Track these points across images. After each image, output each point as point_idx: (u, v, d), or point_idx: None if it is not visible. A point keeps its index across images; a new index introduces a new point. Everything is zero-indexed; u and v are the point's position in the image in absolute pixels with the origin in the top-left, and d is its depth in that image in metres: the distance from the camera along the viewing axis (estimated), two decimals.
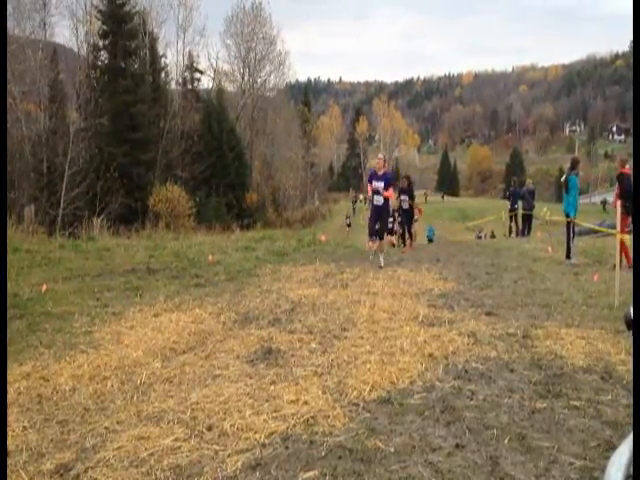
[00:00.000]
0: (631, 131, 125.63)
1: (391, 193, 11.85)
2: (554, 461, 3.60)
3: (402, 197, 15.80)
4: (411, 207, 15.93)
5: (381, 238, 11.98)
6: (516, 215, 21.52)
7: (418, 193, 22.82)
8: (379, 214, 11.83)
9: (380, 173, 11.73)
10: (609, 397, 4.56)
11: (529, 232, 20.72)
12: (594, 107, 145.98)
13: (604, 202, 53.48)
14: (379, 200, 11.62)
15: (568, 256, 11.89)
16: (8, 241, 14.33)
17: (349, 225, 36.52)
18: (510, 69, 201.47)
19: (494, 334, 6.38)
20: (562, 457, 3.65)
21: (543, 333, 6.34)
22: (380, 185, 11.57)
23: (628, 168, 11.58)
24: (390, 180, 11.80)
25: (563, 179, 12.27)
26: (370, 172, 12.26)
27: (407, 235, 16.36)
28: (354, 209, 54.07)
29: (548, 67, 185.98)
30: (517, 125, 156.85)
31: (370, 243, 12.61)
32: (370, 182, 11.92)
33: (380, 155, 12.44)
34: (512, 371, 5.23)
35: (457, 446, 3.81)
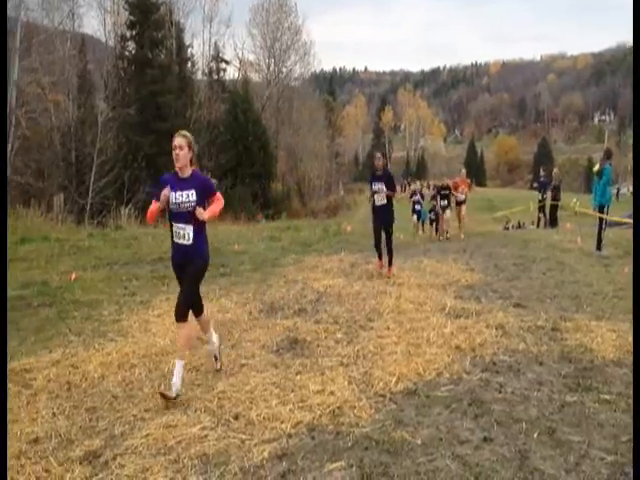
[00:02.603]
0: None
1: (213, 211, 5.06)
2: (584, 456, 3.55)
3: (375, 187, 9.83)
4: (391, 202, 9.97)
5: (196, 313, 5.33)
6: (544, 206, 21.19)
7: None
8: (183, 264, 5.15)
9: (184, 177, 5.10)
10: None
11: (555, 224, 20.38)
12: (624, 96, 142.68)
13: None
14: (183, 234, 4.98)
15: (598, 247, 11.70)
16: (37, 230, 14.56)
17: None
18: (538, 58, 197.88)
19: (522, 326, 6.31)
20: (593, 452, 3.59)
21: (573, 326, 6.25)
22: (187, 204, 4.94)
23: None
24: (210, 186, 5.16)
25: (597, 169, 12.03)
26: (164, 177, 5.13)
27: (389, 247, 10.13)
28: None
29: (577, 55, 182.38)
30: (545, 114, 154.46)
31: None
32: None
33: (178, 138, 5.15)
34: (541, 364, 5.16)
35: (485, 439, 3.77)
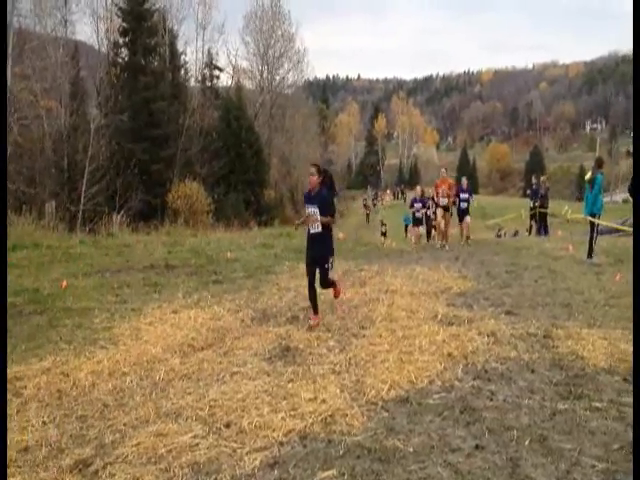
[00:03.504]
0: None
1: None
2: (576, 463, 3.55)
3: (308, 209, 7.27)
4: (329, 229, 7.39)
5: None
6: (536, 214, 21.23)
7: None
8: None
9: None
10: (632, 399, 4.48)
11: (546, 232, 20.44)
12: (616, 105, 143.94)
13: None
14: None
15: (590, 255, 11.74)
16: (29, 237, 14.49)
17: (384, 234, 27.89)
18: (530, 66, 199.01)
19: (514, 334, 6.32)
20: (584, 459, 3.60)
21: (564, 333, 6.26)
22: None
23: None
24: None
25: (588, 178, 12.07)
26: None
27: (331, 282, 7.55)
28: (368, 215, 47.73)
29: (569, 64, 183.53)
30: (537, 122, 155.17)
31: None
32: None
33: None
34: (533, 371, 5.17)
35: (477, 447, 3.78)
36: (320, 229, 7.18)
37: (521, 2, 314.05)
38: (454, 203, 16.27)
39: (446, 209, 15.55)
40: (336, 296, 7.78)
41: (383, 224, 29.61)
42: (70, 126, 31.71)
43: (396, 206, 57.51)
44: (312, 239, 7.32)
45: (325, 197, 7.25)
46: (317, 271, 7.30)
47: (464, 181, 17.28)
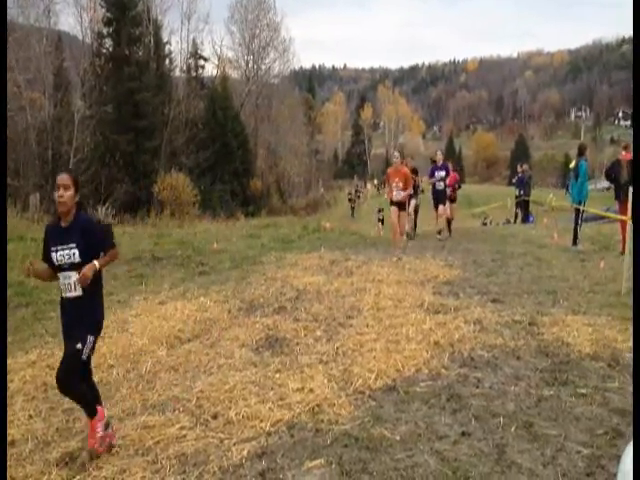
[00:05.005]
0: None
1: None
2: (561, 449, 3.58)
3: (62, 254, 4.13)
4: (99, 284, 4.11)
5: None
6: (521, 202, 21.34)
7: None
8: None
9: None
10: (616, 384, 4.53)
11: (527, 219, 20.64)
12: (600, 92, 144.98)
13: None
14: None
15: (574, 242, 11.81)
16: (13, 230, 14.35)
17: (381, 220, 25.86)
18: (515, 54, 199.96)
19: (500, 321, 6.35)
20: (569, 445, 3.63)
21: (549, 320, 6.30)
22: None
23: (623, 154, 11.29)
24: None
25: (573, 165, 12.10)
26: None
27: None
28: (353, 208, 44.78)
29: (554, 52, 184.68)
30: (523, 111, 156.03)
31: None
32: None
33: None
34: (518, 358, 5.21)
35: (463, 434, 3.80)
36: (80, 291, 3.96)
37: None
38: (415, 193, 13.94)
39: (401, 206, 11.55)
40: (92, 430, 3.80)
41: (380, 210, 29.07)
42: (54, 117, 31.43)
43: (380, 196, 57.51)
44: (69, 304, 4.03)
45: (92, 226, 4.21)
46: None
47: (439, 156, 14.46)
